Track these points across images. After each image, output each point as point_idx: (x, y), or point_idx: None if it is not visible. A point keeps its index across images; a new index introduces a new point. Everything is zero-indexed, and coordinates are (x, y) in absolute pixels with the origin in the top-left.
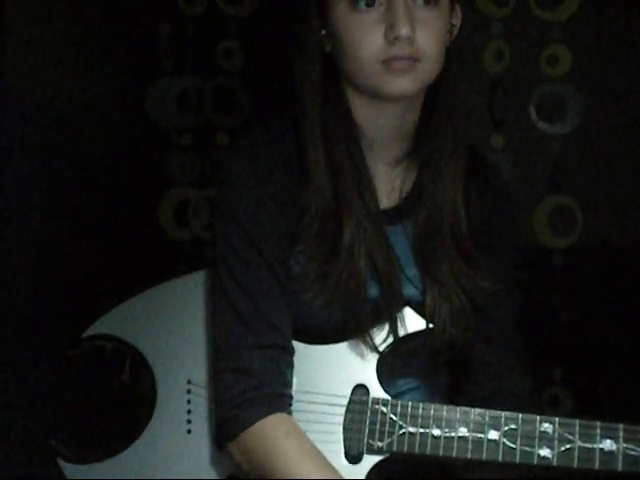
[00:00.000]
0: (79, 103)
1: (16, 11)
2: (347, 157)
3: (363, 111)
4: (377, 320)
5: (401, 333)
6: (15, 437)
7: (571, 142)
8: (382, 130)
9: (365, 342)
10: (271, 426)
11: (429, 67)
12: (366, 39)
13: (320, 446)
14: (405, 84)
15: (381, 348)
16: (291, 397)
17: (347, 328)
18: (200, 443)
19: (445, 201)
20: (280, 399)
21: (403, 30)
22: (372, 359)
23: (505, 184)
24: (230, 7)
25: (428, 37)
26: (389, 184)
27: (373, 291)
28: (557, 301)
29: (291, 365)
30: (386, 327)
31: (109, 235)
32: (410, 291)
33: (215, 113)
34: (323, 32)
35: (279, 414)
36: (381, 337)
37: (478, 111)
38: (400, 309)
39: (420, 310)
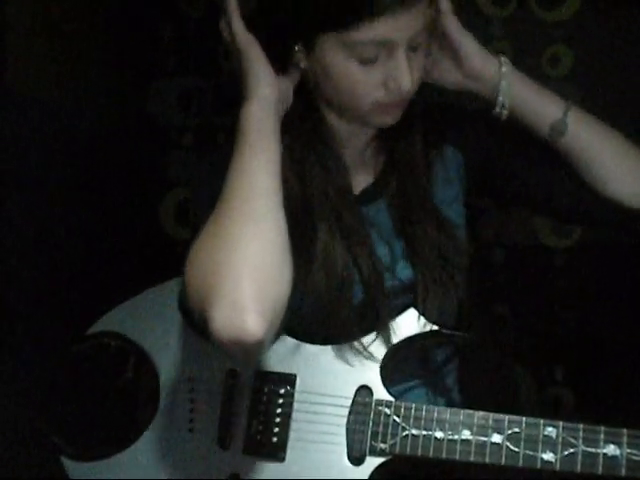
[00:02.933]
0: (81, 103)
1: (17, 12)
2: (312, 153)
3: (338, 123)
4: (365, 322)
5: (405, 335)
6: (18, 434)
7: None
8: (357, 134)
9: (354, 346)
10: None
11: (413, 94)
12: (364, 88)
13: (323, 447)
14: (394, 118)
15: (376, 351)
16: None
17: (333, 332)
18: (202, 441)
19: (412, 169)
20: None
21: (408, 85)
22: (376, 360)
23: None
24: None
25: (417, 77)
26: (363, 166)
27: (358, 292)
28: (558, 301)
29: None
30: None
31: (111, 234)
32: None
33: (216, 113)
34: (297, 48)
35: None
36: (377, 339)
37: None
38: (404, 311)
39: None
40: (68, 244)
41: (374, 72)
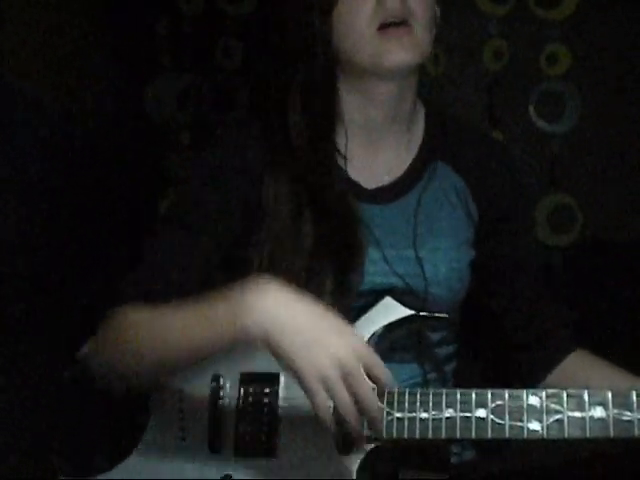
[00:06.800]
0: (78, 101)
1: (14, 10)
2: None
3: (355, 103)
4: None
5: (384, 322)
6: (17, 455)
7: (570, 140)
8: (376, 120)
9: None
10: (131, 309)
11: (422, 34)
12: (357, 6)
13: (312, 440)
14: (403, 51)
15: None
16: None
17: None
18: (195, 449)
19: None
20: (142, 295)
21: None
22: None
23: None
24: (229, 5)
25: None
26: (387, 162)
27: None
28: (556, 299)
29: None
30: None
31: (108, 232)
32: (393, 277)
33: (214, 111)
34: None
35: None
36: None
37: (477, 109)
38: (380, 298)
39: (404, 298)
40: (64, 244)
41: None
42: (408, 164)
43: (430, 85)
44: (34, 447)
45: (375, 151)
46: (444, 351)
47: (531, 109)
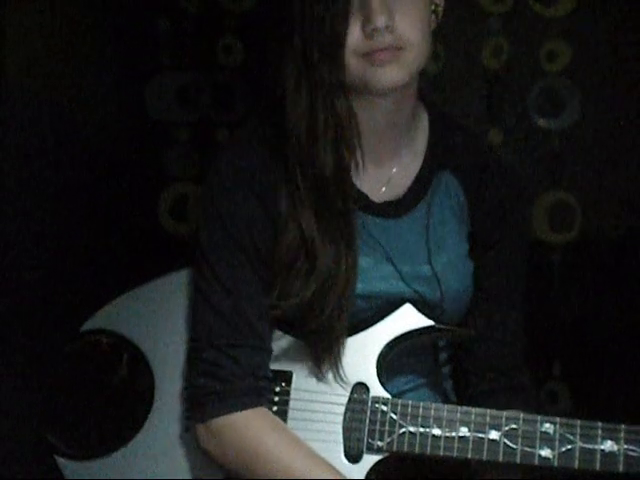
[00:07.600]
0: (78, 98)
1: (15, 7)
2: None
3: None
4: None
5: (403, 330)
6: (12, 433)
7: (570, 138)
8: (376, 127)
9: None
10: (254, 419)
11: (414, 55)
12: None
13: (319, 445)
14: (391, 74)
15: (373, 348)
16: (269, 391)
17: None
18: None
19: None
20: (256, 392)
21: (379, 21)
22: (372, 357)
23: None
24: (229, 2)
25: (409, 23)
26: (391, 170)
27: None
28: (556, 297)
29: (267, 365)
30: (382, 325)
31: (107, 230)
32: (411, 288)
33: (214, 109)
34: None
35: (259, 408)
36: (379, 334)
37: (476, 107)
38: (400, 306)
39: (419, 308)
40: (64, 239)
41: (351, 15)
42: (415, 175)
43: (429, 83)
44: (31, 426)
45: (379, 161)
46: (444, 355)
47: (531, 106)
